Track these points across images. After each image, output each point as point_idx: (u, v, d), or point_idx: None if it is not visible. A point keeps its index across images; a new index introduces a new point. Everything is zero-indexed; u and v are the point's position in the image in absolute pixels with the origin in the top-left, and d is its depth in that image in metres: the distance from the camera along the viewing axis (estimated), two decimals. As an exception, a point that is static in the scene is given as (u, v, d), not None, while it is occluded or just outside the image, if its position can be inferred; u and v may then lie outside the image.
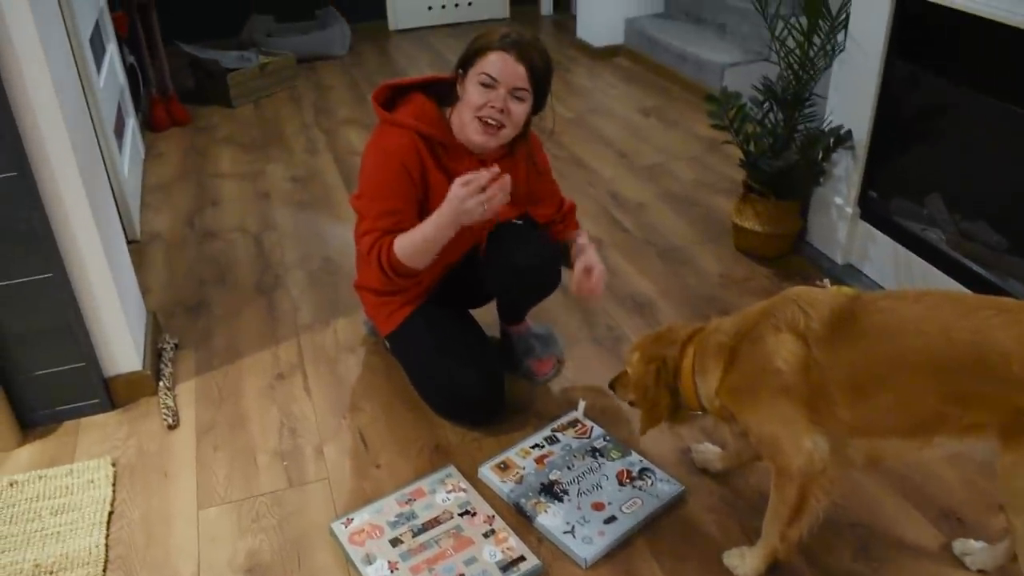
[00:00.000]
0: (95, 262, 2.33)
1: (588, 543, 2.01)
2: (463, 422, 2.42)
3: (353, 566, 1.99)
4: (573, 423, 2.40)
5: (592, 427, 2.38)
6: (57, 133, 2.14)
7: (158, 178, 4.08)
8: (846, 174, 3.02)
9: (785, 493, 1.76)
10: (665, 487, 2.17)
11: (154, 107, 4.64)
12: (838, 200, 3.08)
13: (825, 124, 3.00)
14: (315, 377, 2.65)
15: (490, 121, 2.15)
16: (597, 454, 2.29)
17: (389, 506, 2.13)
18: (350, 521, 2.09)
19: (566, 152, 4.20)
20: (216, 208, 3.77)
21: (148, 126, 4.65)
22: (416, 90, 2.30)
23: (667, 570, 1.98)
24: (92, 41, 3.42)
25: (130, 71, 4.37)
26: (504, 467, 2.25)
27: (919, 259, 2.80)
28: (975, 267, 2.64)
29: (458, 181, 2.05)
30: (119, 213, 2.94)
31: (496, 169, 2.09)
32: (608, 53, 5.69)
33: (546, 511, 2.11)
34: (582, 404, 2.44)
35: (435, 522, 2.08)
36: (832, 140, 2.94)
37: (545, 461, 2.26)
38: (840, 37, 2.89)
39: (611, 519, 2.08)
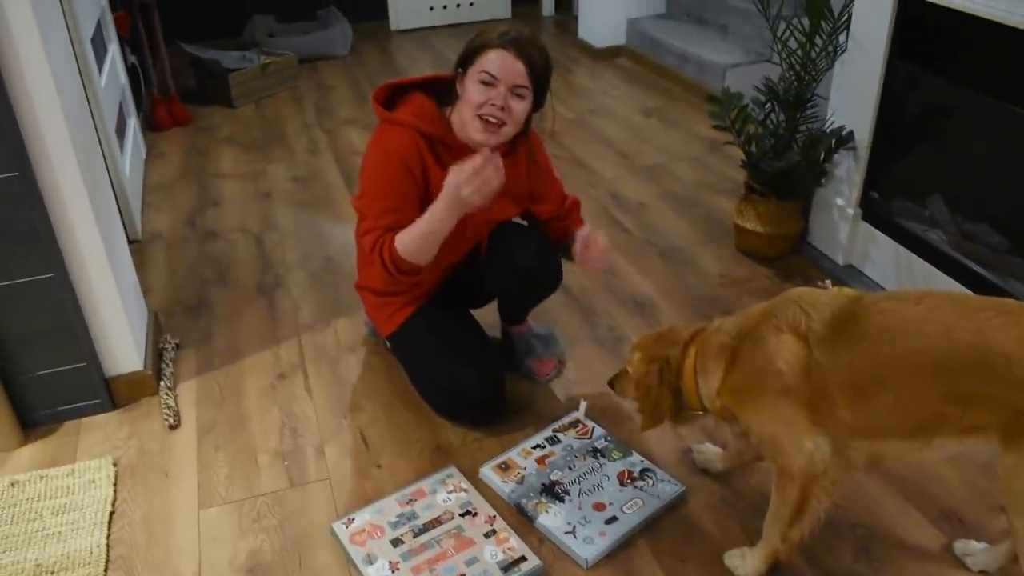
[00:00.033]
0: (96, 262, 2.33)
1: (589, 543, 2.01)
2: (464, 422, 2.42)
3: (354, 566, 1.99)
4: (574, 423, 2.40)
5: (593, 427, 2.38)
6: (58, 133, 2.14)
7: (159, 178, 4.08)
8: (848, 175, 3.02)
9: (786, 494, 1.76)
10: (666, 487, 2.17)
11: (155, 107, 4.65)
12: (839, 201, 3.08)
13: (827, 125, 3.00)
14: (316, 377, 2.65)
15: (491, 119, 2.15)
16: (598, 454, 2.29)
17: (390, 506, 2.13)
18: (351, 521, 2.09)
19: (567, 152, 4.20)
20: (217, 208, 3.77)
21: (149, 126, 4.65)
22: (416, 89, 2.30)
23: (668, 570, 1.98)
24: (94, 41, 3.43)
25: (131, 71, 4.37)
26: (505, 467, 2.25)
27: (920, 260, 2.80)
28: (976, 268, 2.63)
29: (452, 169, 2.05)
30: (120, 213, 2.94)
31: (487, 152, 2.09)
32: (610, 54, 5.69)
33: (547, 511, 2.11)
34: (583, 404, 2.44)
35: (436, 522, 2.08)
36: (834, 141, 2.94)
37: (546, 461, 2.26)
38: (842, 38, 2.89)
39: (612, 519, 2.08)
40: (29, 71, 2.06)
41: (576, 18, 6.06)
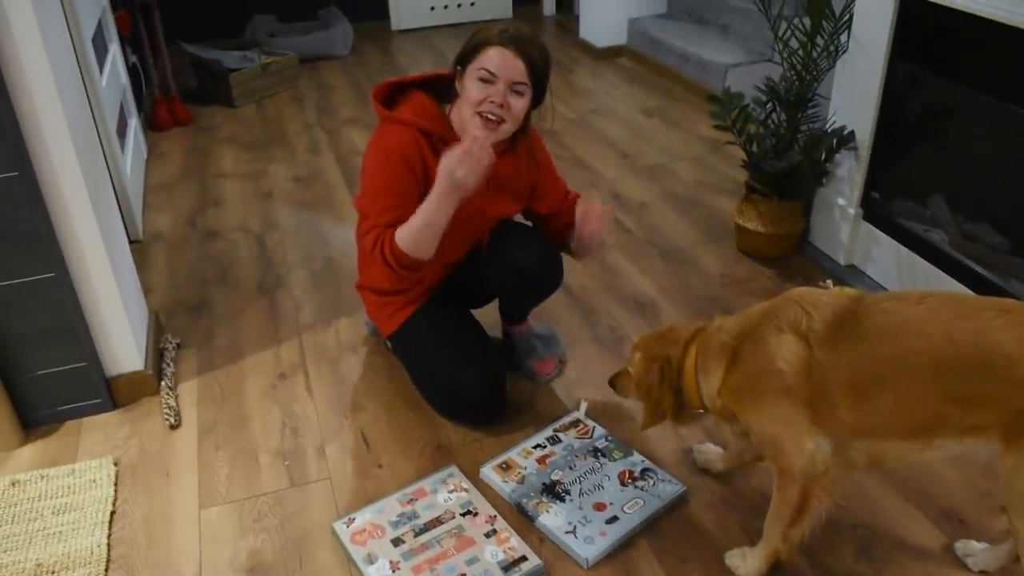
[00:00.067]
0: (97, 262, 2.33)
1: (590, 543, 2.01)
2: (465, 422, 2.42)
3: (355, 566, 1.99)
4: (575, 423, 2.40)
5: (594, 427, 2.38)
6: (59, 132, 2.14)
7: (160, 178, 4.08)
8: (849, 175, 3.02)
9: (787, 494, 1.76)
10: (667, 487, 2.17)
11: (156, 107, 4.65)
12: (841, 201, 3.07)
13: (828, 125, 3.00)
14: (317, 377, 2.65)
15: (490, 116, 2.15)
16: (599, 454, 2.29)
17: (391, 506, 2.13)
18: (352, 521, 2.09)
19: (568, 152, 4.20)
20: (218, 208, 3.77)
21: (150, 126, 4.65)
22: (416, 88, 2.30)
23: (669, 570, 1.97)
24: (95, 41, 3.43)
25: (132, 71, 4.37)
26: (506, 467, 2.25)
27: (922, 260, 2.80)
28: (978, 268, 2.63)
29: (444, 156, 2.04)
30: (121, 213, 2.95)
31: (476, 134, 2.09)
32: (611, 53, 5.69)
33: (548, 511, 2.11)
34: (584, 404, 2.44)
35: (437, 522, 2.08)
36: (835, 141, 2.94)
37: (547, 461, 2.26)
38: (843, 38, 2.89)
39: (613, 519, 2.08)
40: (30, 70, 2.06)
41: (577, 18, 6.06)
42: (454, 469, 2.24)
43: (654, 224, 3.53)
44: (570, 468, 2.24)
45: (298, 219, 3.64)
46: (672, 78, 5.17)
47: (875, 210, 2.99)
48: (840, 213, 3.08)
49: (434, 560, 1.98)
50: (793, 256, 3.24)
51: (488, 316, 2.64)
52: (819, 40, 2.91)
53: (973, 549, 1.96)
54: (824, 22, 2.87)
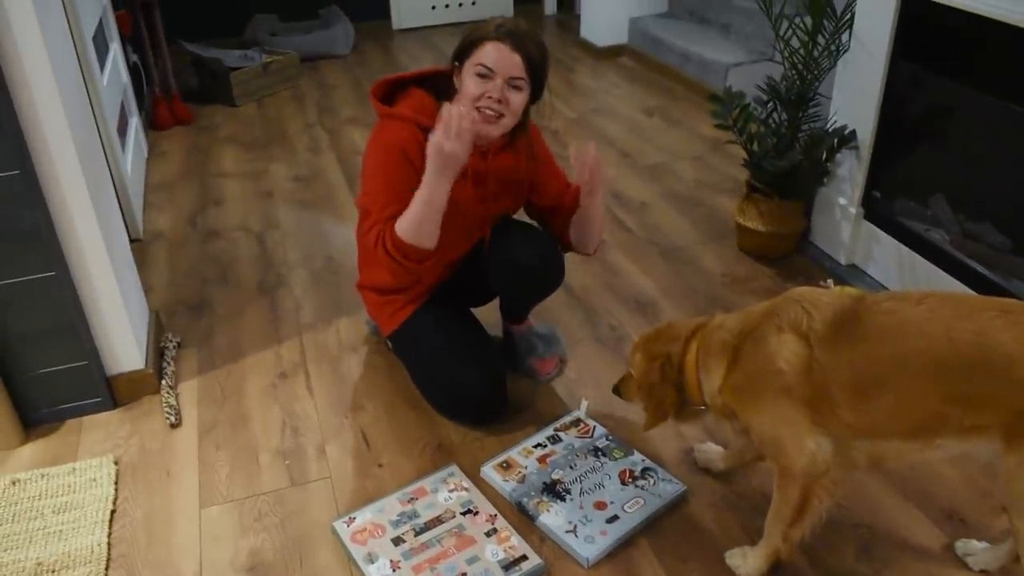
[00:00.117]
0: (97, 261, 2.33)
1: (590, 542, 2.01)
2: (465, 421, 2.42)
3: (355, 565, 1.99)
4: (575, 422, 2.40)
5: (594, 426, 2.38)
6: (60, 131, 2.14)
7: (161, 177, 4.08)
8: (850, 174, 3.01)
9: (788, 493, 1.76)
10: (667, 487, 2.17)
11: (157, 106, 4.65)
12: (842, 200, 3.07)
13: (829, 124, 3.00)
14: (317, 376, 2.65)
15: (488, 111, 2.14)
16: (599, 453, 2.29)
17: (391, 505, 2.13)
18: (352, 520, 2.09)
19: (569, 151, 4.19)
20: (219, 207, 3.77)
21: (151, 125, 4.65)
22: (414, 84, 2.29)
23: (669, 569, 1.97)
24: (95, 39, 3.43)
25: (133, 70, 4.38)
26: (506, 466, 2.24)
27: (923, 260, 2.80)
28: (979, 268, 2.63)
29: (430, 136, 2.03)
30: (122, 212, 2.95)
31: (454, 109, 2.06)
32: (612, 53, 5.69)
33: (548, 510, 2.10)
34: (584, 403, 2.44)
35: (437, 521, 2.08)
36: (836, 140, 2.94)
37: (547, 460, 2.26)
38: (844, 37, 2.89)
39: (613, 518, 2.08)
40: (30, 69, 2.06)
41: (578, 17, 6.06)
42: (454, 468, 2.24)
43: (655, 223, 3.53)
44: (571, 467, 2.24)
45: (299, 218, 3.64)
46: (673, 77, 5.17)
47: (876, 209, 2.99)
48: (841, 212, 3.08)
49: (434, 559, 1.98)
50: (794, 255, 3.24)
51: (489, 315, 2.64)
52: (820, 39, 2.91)
53: (974, 548, 1.96)
54: (825, 21, 2.87)
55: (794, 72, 3.00)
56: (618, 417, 2.42)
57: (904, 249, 2.87)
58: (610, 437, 2.34)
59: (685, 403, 1.96)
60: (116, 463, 2.32)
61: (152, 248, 3.43)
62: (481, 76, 2.12)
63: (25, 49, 2.04)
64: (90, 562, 2.02)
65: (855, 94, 2.92)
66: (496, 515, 2.10)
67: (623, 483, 2.19)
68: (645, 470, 2.22)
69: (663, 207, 3.66)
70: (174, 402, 2.51)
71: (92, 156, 2.40)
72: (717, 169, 3.99)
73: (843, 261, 3.12)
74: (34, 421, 2.45)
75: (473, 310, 2.60)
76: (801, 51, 2.95)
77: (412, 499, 2.15)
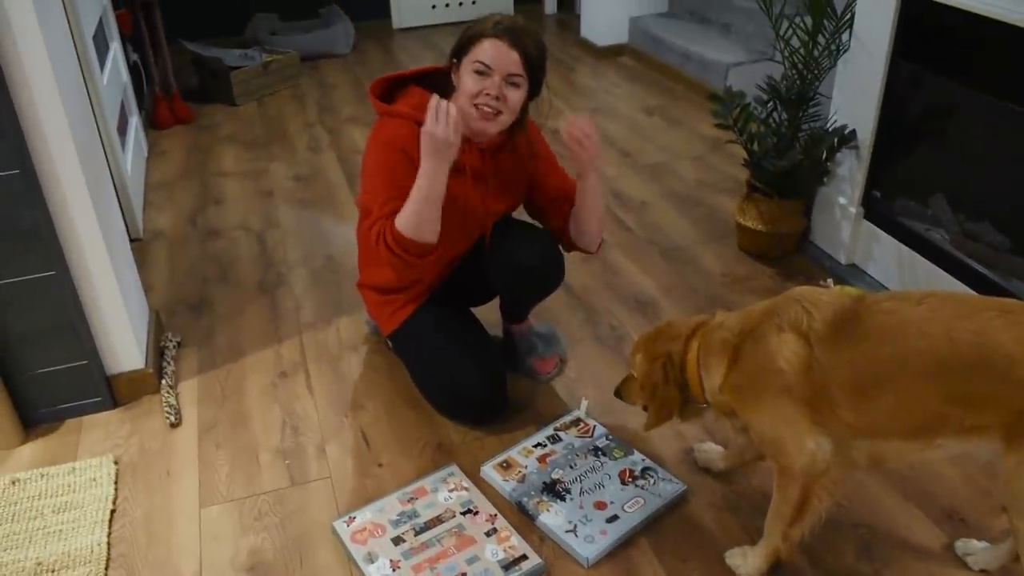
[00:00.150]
0: (97, 260, 2.33)
1: (590, 542, 2.01)
2: (465, 421, 2.42)
3: (355, 564, 1.99)
4: (575, 422, 2.40)
5: (594, 426, 2.38)
6: (60, 130, 2.14)
7: (161, 176, 4.08)
8: (850, 174, 3.01)
9: (788, 493, 1.76)
10: (667, 486, 2.17)
11: (157, 105, 4.65)
12: (842, 200, 3.07)
13: (829, 124, 3.00)
14: (317, 375, 2.65)
15: (486, 108, 2.14)
16: (599, 453, 2.28)
17: (391, 505, 2.13)
18: (352, 520, 2.09)
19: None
20: (219, 206, 3.77)
21: (151, 124, 4.65)
22: (412, 82, 2.29)
23: (669, 569, 1.97)
24: (95, 39, 3.43)
25: (133, 69, 4.38)
26: (506, 466, 2.24)
27: (923, 259, 2.80)
28: (979, 267, 2.63)
29: (422, 130, 2.03)
30: (122, 211, 2.95)
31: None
32: (612, 52, 5.69)
33: (548, 510, 2.10)
34: (584, 403, 2.44)
35: (437, 521, 2.08)
36: (836, 140, 2.93)
37: (547, 460, 2.26)
38: (844, 37, 2.89)
39: (613, 518, 2.08)
40: (30, 69, 2.06)
41: (578, 17, 6.06)
42: (454, 468, 2.24)
43: (655, 223, 3.53)
44: (571, 467, 2.24)
45: (299, 217, 3.64)
46: (673, 77, 5.17)
47: (876, 209, 2.99)
48: (841, 212, 3.08)
49: (434, 559, 1.98)
50: (794, 255, 3.24)
51: (489, 315, 2.64)
52: (820, 39, 2.91)
53: (974, 548, 1.96)
54: (826, 21, 2.87)
55: (794, 72, 3.00)
56: (618, 416, 2.41)
57: (904, 249, 2.87)
58: (610, 437, 2.34)
59: (687, 401, 1.96)
60: (116, 463, 2.32)
61: (152, 247, 3.43)
62: (479, 73, 2.12)
63: (25, 49, 2.03)
64: (90, 562, 2.02)
65: (855, 94, 2.92)
66: (496, 515, 2.10)
67: (623, 483, 2.19)
68: (645, 470, 2.22)
69: (663, 207, 3.66)
70: (174, 401, 2.51)
71: (92, 155, 2.40)
72: (717, 169, 3.99)
73: (843, 261, 3.12)
74: (34, 421, 2.45)
75: (473, 310, 2.59)
76: (801, 51, 2.95)
77: (412, 499, 2.15)
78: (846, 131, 2.93)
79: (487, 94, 2.12)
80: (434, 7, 6.48)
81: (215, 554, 2.05)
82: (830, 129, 2.96)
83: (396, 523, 2.07)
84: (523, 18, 2.21)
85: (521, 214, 2.49)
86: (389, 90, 2.31)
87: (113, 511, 2.17)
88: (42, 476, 2.26)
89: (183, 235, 3.52)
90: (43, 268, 2.25)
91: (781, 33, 2.97)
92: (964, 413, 1.59)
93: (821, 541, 1.97)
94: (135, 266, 2.73)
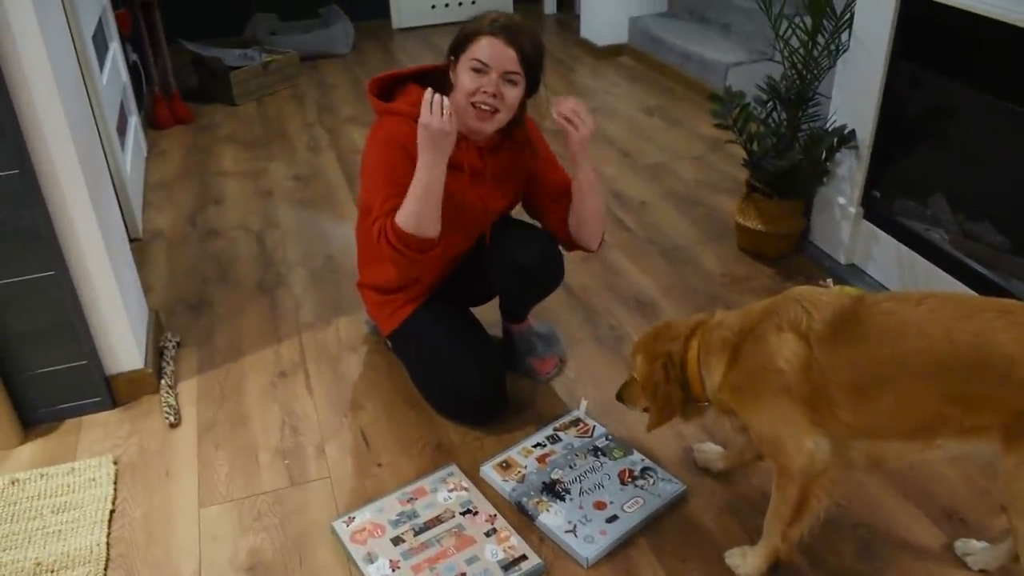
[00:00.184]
0: (97, 260, 2.33)
1: (590, 542, 2.01)
2: (465, 421, 2.42)
3: (354, 565, 1.99)
4: (575, 422, 2.40)
5: (594, 426, 2.38)
6: (59, 130, 2.14)
7: (160, 176, 4.08)
8: (849, 174, 3.01)
9: (786, 493, 1.76)
10: (667, 486, 2.17)
11: (157, 105, 4.65)
12: (841, 200, 3.07)
13: (829, 124, 3.00)
14: (317, 375, 2.65)
15: (483, 106, 2.14)
16: (599, 453, 2.28)
17: (391, 505, 2.13)
18: (351, 520, 2.09)
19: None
20: (218, 206, 3.77)
21: (151, 124, 4.65)
22: (411, 81, 2.29)
23: (669, 569, 1.97)
24: (95, 39, 3.43)
25: (133, 69, 4.37)
26: (506, 466, 2.24)
27: (922, 259, 2.79)
28: (978, 268, 2.63)
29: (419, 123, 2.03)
30: (121, 211, 2.95)
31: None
32: (612, 52, 5.69)
33: (548, 510, 2.10)
34: (584, 403, 2.44)
35: (437, 521, 2.08)
36: (836, 140, 2.93)
37: (547, 460, 2.26)
38: (844, 37, 2.89)
39: (613, 518, 2.08)
40: (30, 68, 2.06)
41: (578, 17, 6.06)
42: (454, 468, 2.24)
43: (655, 223, 3.53)
44: (570, 467, 2.24)
45: (298, 217, 3.63)
46: (673, 77, 5.17)
47: (876, 209, 2.99)
48: (841, 212, 3.08)
49: (434, 559, 1.98)
50: (794, 255, 3.24)
51: (488, 315, 2.64)
52: (820, 39, 2.91)
53: (973, 548, 1.96)
54: (825, 21, 2.87)
55: (794, 72, 3.00)
56: (617, 417, 2.41)
57: (904, 249, 2.87)
58: (610, 437, 2.34)
59: (689, 400, 1.96)
60: (115, 463, 2.32)
61: (151, 247, 3.43)
62: (476, 71, 2.12)
63: (24, 49, 2.03)
64: (89, 562, 2.01)
65: (855, 94, 2.92)
66: (496, 515, 2.10)
67: (623, 483, 2.19)
68: (645, 470, 2.22)
69: (663, 207, 3.66)
70: (173, 402, 2.51)
71: (91, 155, 2.39)
72: (717, 169, 3.99)
73: (843, 261, 3.12)
74: (33, 421, 2.45)
75: (473, 310, 2.59)
76: (801, 51, 2.95)
77: (411, 499, 2.15)
78: (845, 131, 2.93)
79: (484, 92, 2.12)
80: (434, 7, 6.48)
81: (214, 554, 2.05)
82: (829, 129, 2.96)
83: (395, 523, 2.07)
84: (520, 16, 2.21)
85: (521, 214, 2.49)
86: (387, 89, 2.31)
87: (112, 511, 2.17)
88: (41, 476, 2.26)
89: (182, 235, 3.52)
90: (42, 268, 2.25)
91: (781, 33, 2.97)
92: (963, 414, 1.59)
93: (821, 541, 1.97)
94: (134, 266, 2.73)
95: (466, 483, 2.19)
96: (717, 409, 1.91)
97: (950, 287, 2.67)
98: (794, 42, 2.97)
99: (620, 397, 2.10)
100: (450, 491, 2.17)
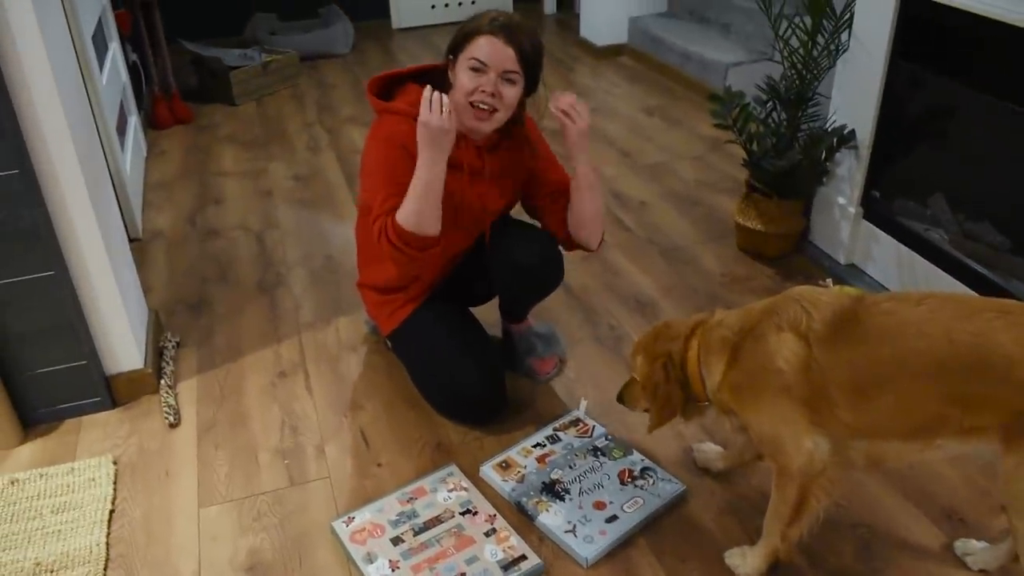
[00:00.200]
0: (96, 260, 2.33)
1: (589, 542, 2.01)
2: (465, 421, 2.42)
3: (354, 565, 1.99)
4: (575, 422, 2.40)
5: (594, 426, 2.38)
6: (59, 130, 2.14)
7: (160, 176, 4.08)
8: (849, 174, 3.01)
9: (786, 492, 1.76)
10: (666, 486, 2.17)
11: (156, 105, 4.65)
12: (841, 200, 3.07)
13: (828, 124, 3.00)
14: (317, 375, 2.65)
15: (482, 106, 2.14)
16: (599, 453, 2.28)
17: (390, 505, 2.13)
18: (351, 520, 2.09)
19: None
20: (218, 206, 3.76)
21: (150, 124, 4.65)
22: (410, 80, 2.29)
23: (668, 569, 1.97)
24: (95, 39, 3.43)
25: (133, 69, 4.37)
26: (505, 466, 2.24)
27: (922, 259, 2.79)
28: (978, 268, 2.63)
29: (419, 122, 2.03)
30: (121, 211, 2.94)
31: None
32: (612, 52, 5.69)
33: (547, 510, 2.10)
34: (583, 403, 2.44)
35: (436, 521, 2.08)
36: (835, 140, 2.94)
37: (547, 460, 2.26)
38: (844, 37, 2.89)
39: (612, 518, 2.08)
40: (29, 68, 2.06)
41: (578, 16, 6.06)
42: (454, 468, 2.24)
43: (654, 223, 3.53)
44: (570, 467, 2.24)
45: (298, 217, 3.63)
46: (673, 77, 5.17)
47: (875, 209, 2.99)
48: (840, 212, 3.08)
49: (433, 559, 1.98)
50: (793, 255, 3.24)
51: (488, 315, 2.64)
52: (820, 39, 2.91)
53: (973, 548, 1.96)
54: (825, 21, 2.87)
55: (793, 72, 3.00)
56: (617, 417, 2.41)
57: (903, 249, 2.87)
58: (609, 437, 2.34)
59: (690, 400, 1.96)
60: (115, 463, 2.32)
61: (151, 247, 3.43)
62: (474, 70, 2.12)
63: (24, 49, 2.03)
64: (88, 562, 2.01)
65: (854, 94, 2.92)
66: (495, 515, 2.10)
67: (622, 483, 2.19)
68: (644, 470, 2.22)
69: (663, 207, 3.66)
70: (173, 402, 2.51)
71: (91, 155, 2.39)
72: (717, 169, 3.99)
73: (842, 261, 3.11)
74: (33, 421, 2.45)
75: (473, 310, 2.59)
76: (800, 51, 2.95)
77: (411, 499, 2.14)
78: (845, 131, 2.93)
79: (483, 91, 2.12)
80: (433, 7, 6.48)
81: (214, 554, 2.05)
82: (829, 129, 2.96)
83: (395, 523, 2.07)
84: (519, 15, 2.20)
85: (520, 214, 2.49)
86: (387, 88, 2.31)
87: (112, 511, 2.17)
88: (41, 476, 2.26)
89: (182, 235, 3.52)
90: (42, 268, 2.25)
91: (780, 33, 2.97)
92: (963, 414, 1.59)
93: (820, 541, 1.97)
94: (134, 266, 2.73)
95: (466, 483, 2.19)
96: (717, 409, 1.91)
97: (950, 287, 2.67)
98: (794, 42, 2.97)
99: (621, 399, 2.10)
100: (450, 491, 2.17)
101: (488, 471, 2.23)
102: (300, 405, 2.52)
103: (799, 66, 2.97)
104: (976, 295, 2.42)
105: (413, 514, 2.10)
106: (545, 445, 2.31)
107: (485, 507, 2.12)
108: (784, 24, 2.96)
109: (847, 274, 3.06)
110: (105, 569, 2.01)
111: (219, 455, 2.35)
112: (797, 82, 3.00)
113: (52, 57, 2.09)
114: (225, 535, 2.10)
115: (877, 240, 2.98)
